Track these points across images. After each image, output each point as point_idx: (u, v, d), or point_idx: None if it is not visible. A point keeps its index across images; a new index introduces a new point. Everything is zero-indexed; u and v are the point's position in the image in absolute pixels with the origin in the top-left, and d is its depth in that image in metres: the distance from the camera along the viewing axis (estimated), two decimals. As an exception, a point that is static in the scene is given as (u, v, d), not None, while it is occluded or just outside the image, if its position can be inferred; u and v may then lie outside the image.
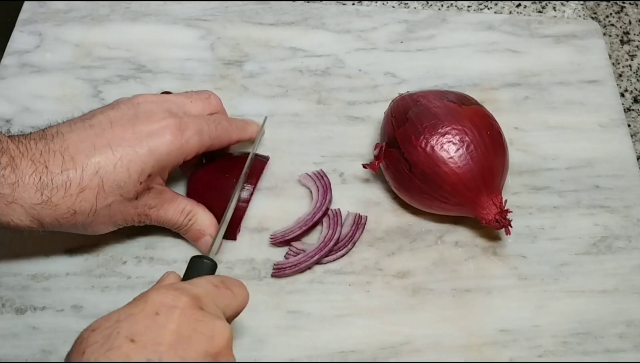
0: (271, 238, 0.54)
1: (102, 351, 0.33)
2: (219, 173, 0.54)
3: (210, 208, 0.53)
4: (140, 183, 0.46)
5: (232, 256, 0.53)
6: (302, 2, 0.69)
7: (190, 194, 0.54)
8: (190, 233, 0.52)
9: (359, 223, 0.54)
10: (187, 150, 0.48)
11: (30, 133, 0.46)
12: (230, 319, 0.41)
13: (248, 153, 0.55)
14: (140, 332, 0.34)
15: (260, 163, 0.56)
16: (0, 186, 0.42)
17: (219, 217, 0.52)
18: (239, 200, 0.53)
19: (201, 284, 0.40)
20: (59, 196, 0.44)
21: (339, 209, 0.55)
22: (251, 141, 0.56)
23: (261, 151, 0.58)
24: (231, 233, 0.53)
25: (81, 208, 0.45)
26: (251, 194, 0.54)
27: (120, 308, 0.37)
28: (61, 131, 0.45)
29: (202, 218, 0.52)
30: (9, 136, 0.45)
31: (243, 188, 0.53)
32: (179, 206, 0.51)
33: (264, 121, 0.58)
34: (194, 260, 0.45)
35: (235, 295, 0.41)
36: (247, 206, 0.54)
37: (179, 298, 0.37)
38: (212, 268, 0.45)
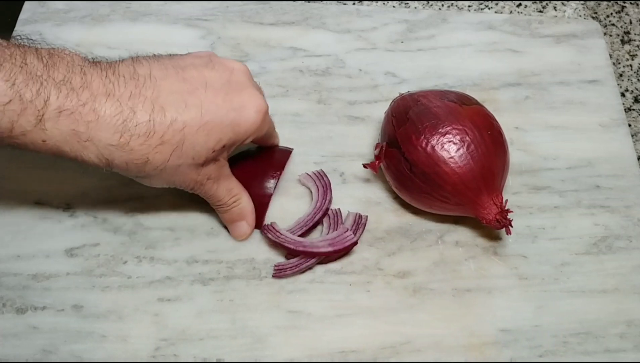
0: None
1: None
2: (259, 164, 0.55)
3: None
4: (214, 151, 0.46)
5: (233, 256, 0.53)
6: (303, 2, 0.69)
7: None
8: (228, 214, 0.52)
9: (359, 222, 0.54)
10: (258, 132, 0.49)
11: (119, 64, 0.44)
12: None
13: (276, 146, 0.57)
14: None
15: (286, 153, 0.57)
16: (76, 124, 0.41)
17: (255, 205, 0.53)
18: (265, 192, 0.54)
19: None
20: (138, 142, 0.43)
21: (339, 209, 0.55)
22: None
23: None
24: (258, 222, 0.54)
25: (155, 159, 0.44)
26: (275, 185, 0.54)
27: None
28: (154, 75, 0.44)
29: (245, 203, 0.52)
30: (94, 63, 0.43)
31: (269, 180, 0.54)
32: (230, 185, 0.51)
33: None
34: None
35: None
36: (271, 197, 0.54)
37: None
38: None
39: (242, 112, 0.47)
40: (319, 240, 0.52)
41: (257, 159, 0.55)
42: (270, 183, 0.54)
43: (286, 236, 0.52)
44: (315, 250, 0.52)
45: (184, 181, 0.48)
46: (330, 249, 0.52)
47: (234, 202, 0.51)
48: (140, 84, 0.43)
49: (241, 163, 0.54)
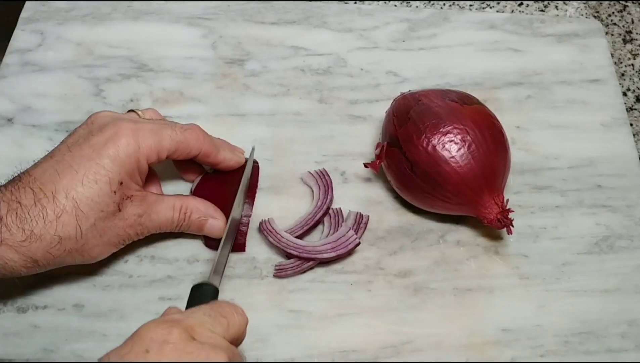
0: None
1: None
2: (221, 181, 0.54)
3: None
4: (115, 192, 0.46)
5: (234, 256, 0.53)
6: (304, 1, 0.69)
7: None
8: (192, 225, 0.51)
9: (360, 222, 0.54)
10: (146, 151, 0.47)
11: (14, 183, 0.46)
12: (234, 342, 0.40)
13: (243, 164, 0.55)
14: None
15: (254, 169, 0.56)
16: None
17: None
18: (243, 214, 0.53)
19: (195, 314, 0.38)
20: (39, 226, 0.43)
21: (340, 208, 0.55)
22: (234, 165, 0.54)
23: (263, 150, 0.58)
24: (240, 245, 0.53)
25: (65, 233, 0.44)
26: (252, 205, 0.54)
27: (111, 350, 0.36)
28: (27, 171, 0.46)
29: (196, 205, 0.51)
30: None
31: (245, 202, 0.53)
32: (168, 204, 0.50)
33: (252, 151, 0.57)
34: (194, 289, 0.43)
35: (230, 323, 0.40)
36: (249, 218, 0.53)
37: (169, 332, 0.35)
38: (213, 293, 0.44)
39: (111, 144, 0.46)
40: (321, 243, 0.52)
41: (226, 182, 0.54)
42: (246, 206, 0.53)
43: (288, 241, 0.52)
44: (318, 255, 0.52)
45: (118, 234, 0.47)
46: (333, 254, 0.51)
47: (185, 213, 0.51)
48: (17, 181, 0.45)
49: (210, 188, 0.54)
